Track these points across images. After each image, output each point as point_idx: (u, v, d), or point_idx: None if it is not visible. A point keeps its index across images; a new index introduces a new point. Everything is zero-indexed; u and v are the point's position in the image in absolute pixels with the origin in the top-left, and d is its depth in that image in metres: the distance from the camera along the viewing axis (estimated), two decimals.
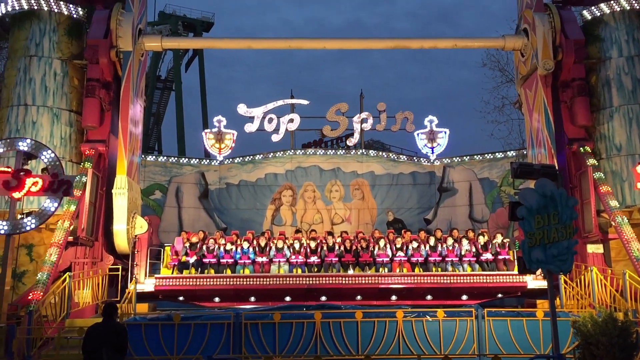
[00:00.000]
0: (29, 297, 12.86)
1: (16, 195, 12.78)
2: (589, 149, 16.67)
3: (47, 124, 16.35)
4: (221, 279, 15.84)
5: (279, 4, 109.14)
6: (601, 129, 17.12)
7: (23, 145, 13.42)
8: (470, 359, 11.05)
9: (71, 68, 17.04)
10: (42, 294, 13.00)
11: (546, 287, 10.99)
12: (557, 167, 15.08)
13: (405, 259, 16.65)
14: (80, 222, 15.25)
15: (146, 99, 21.08)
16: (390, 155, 22.86)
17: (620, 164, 16.59)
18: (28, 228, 13.04)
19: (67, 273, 13.75)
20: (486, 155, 21.40)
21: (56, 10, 17.15)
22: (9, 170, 12.91)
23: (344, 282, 15.88)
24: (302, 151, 22.47)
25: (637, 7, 17.48)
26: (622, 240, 14.74)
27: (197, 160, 21.78)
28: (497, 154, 21.36)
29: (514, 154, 20.96)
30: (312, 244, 16.84)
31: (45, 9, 17.06)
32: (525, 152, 19.65)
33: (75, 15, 17.48)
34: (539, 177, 9.05)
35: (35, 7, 17.02)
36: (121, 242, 15.99)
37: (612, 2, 17.51)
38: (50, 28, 17.02)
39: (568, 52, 16.85)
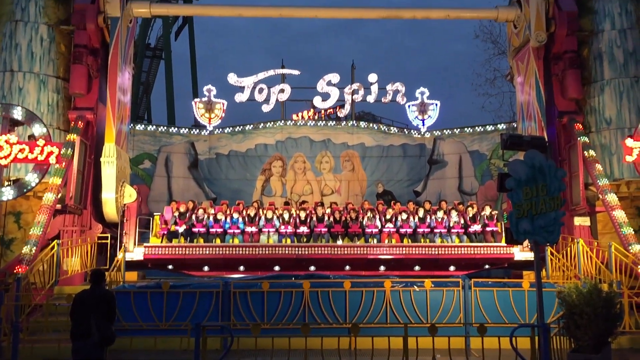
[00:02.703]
0: (17, 267, 12.82)
1: (2, 162, 12.69)
2: (579, 122, 16.69)
3: (33, 91, 16.07)
4: (210, 248, 15.86)
5: None
6: (592, 102, 17.11)
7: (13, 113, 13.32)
8: (457, 327, 11.19)
9: (58, 34, 16.72)
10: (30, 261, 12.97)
11: (532, 259, 11.12)
12: (546, 140, 15.14)
13: (394, 230, 16.73)
14: (69, 190, 15.15)
15: (135, 67, 20.77)
16: (381, 126, 22.80)
17: (609, 138, 16.63)
18: (14, 195, 12.99)
19: (56, 241, 13.72)
20: (477, 127, 21.39)
21: None
22: None
23: (333, 252, 15.96)
24: (293, 122, 22.35)
25: None
26: (609, 213, 14.86)
27: (187, 129, 21.62)
28: (487, 126, 21.34)
29: (504, 126, 20.96)
30: (302, 215, 16.86)
31: None
32: (515, 125, 19.65)
33: None
34: (529, 149, 9.04)
35: None
36: (110, 210, 15.92)
37: None
38: None
39: (561, 24, 16.73)
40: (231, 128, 21.54)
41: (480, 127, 21.34)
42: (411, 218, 16.86)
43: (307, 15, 20.09)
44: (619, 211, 14.68)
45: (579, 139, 16.17)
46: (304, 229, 16.66)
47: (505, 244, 15.83)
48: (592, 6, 17.47)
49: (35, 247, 13.27)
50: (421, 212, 16.97)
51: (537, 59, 17.06)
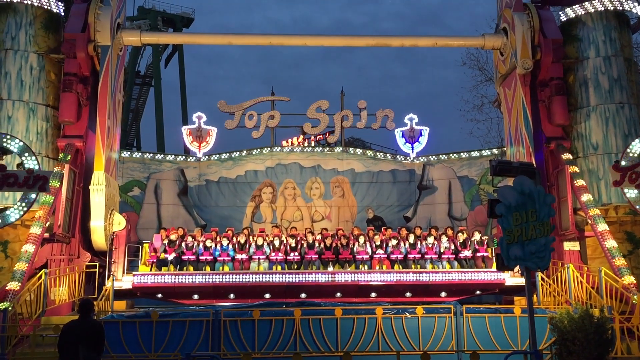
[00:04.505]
0: (5, 292, 12.63)
1: None
2: (566, 148, 16.86)
3: (22, 119, 16.07)
4: (200, 276, 15.73)
5: (266, 3, 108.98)
6: (578, 128, 17.34)
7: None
8: (449, 355, 11.11)
9: (48, 62, 16.77)
10: (18, 289, 12.78)
11: (523, 284, 11.12)
12: (535, 165, 15.25)
13: (385, 256, 16.68)
14: (57, 219, 15.04)
15: (125, 94, 20.82)
16: (371, 152, 22.91)
17: (596, 163, 16.83)
18: (1, 224, 12.86)
19: (43, 270, 13.54)
20: (465, 153, 21.55)
21: (33, 4, 16.84)
22: None
23: (323, 279, 15.86)
24: (282, 148, 22.42)
25: (614, 8, 17.73)
26: (598, 237, 14.93)
27: (176, 156, 21.59)
28: (476, 152, 21.52)
29: (492, 152, 21.12)
30: (292, 241, 16.79)
31: (22, 2, 16.74)
32: (503, 151, 19.83)
33: (52, 9, 17.18)
34: (518, 175, 9.12)
35: (12, 0, 16.69)
36: (99, 238, 15.79)
37: (589, 2, 17.73)
38: (26, 21, 16.71)
39: (546, 52, 17.03)
40: (221, 155, 21.56)
41: (468, 153, 21.50)
42: (402, 244, 16.83)
43: (297, 43, 20.34)
44: (611, 241, 14.67)
45: (564, 160, 16.34)
46: (294, 256, 16.58)
47: (496, 270, 15.85)
48: (576, 34, 17.83)
49: (22, 276, 13.09)
50: (412, 238, 16.95)
51: (524, 86, 17.30)
